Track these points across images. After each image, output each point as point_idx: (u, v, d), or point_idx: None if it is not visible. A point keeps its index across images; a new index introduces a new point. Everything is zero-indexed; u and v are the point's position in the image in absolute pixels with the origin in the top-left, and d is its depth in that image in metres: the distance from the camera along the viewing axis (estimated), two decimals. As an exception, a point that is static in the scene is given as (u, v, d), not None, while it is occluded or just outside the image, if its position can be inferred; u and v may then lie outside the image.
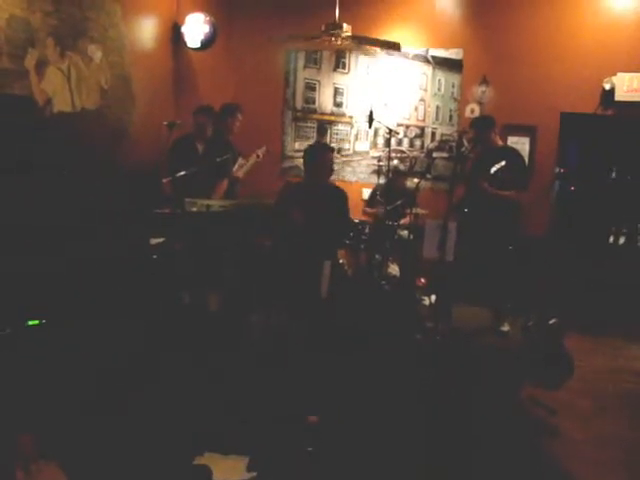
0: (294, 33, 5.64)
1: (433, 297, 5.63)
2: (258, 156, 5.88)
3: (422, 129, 6.83)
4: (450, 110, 6.72)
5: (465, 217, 5.05)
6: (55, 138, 4.11)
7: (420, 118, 6.83)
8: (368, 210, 6.00)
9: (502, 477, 3.03)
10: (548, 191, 6.41)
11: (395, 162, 6.53)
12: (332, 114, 7.07)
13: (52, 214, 3.68)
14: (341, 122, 7.06)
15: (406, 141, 6.89)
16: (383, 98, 6.86)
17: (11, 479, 2.15)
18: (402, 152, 6.88)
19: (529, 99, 6.32)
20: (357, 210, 5.95)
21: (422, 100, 6.80)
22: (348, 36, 5.23)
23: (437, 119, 6.77)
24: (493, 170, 5.10)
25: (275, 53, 7.02)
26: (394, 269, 5.59)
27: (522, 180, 5.23)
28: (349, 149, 7.06)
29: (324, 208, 4.60)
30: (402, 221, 5.57)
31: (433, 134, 6.81)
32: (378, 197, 5.77)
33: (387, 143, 6.32)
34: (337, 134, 7.08)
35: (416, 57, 6.72)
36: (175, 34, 5.84)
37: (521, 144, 6.29)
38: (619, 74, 5.96)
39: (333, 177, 5.06)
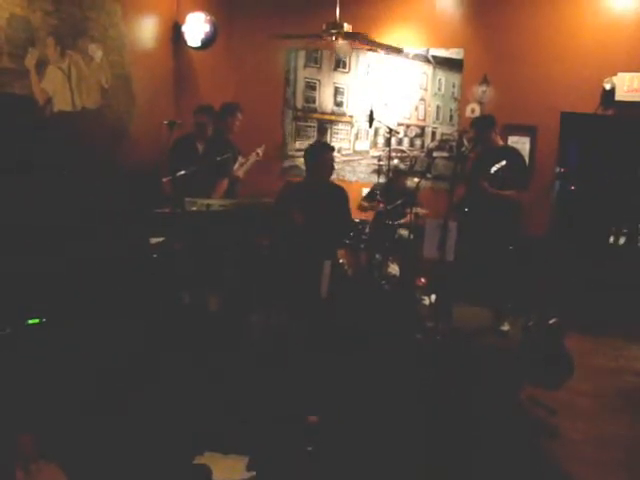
0: (300, 33, 5.63)
1: (433, 297, 5.62)
2: (258, 155, 5.88)
3: (422, 129, 6.83)
4: (450, 110, 6.72)
5: (465, 217, 5.04)
6: (55, 137, 4.11)
7: (420, 118, 6.83)
8: (365, 204, 5.96)
9: (502, 477, 3.03)
10: (548, 191, 6.41)
11: (395, 162, 6.52)
12: (332, 113, 7.07)
13: (52, 214, 3.67)
14: (341, 121, 7.06)
15: (406, 141, 6.88)
16: (383, 98, 6.85)
17: (11, 479, 2.15)
18: (402, 152, 6.87)
19: (529, 99, 6.32)
20: (357, 210, 5.95)
21: (422, 100, 6.79)
22: (352, 37, 5.23)
23: (437, 119, 6.77)
24: (493, 170, 5.09)
25: (275, 52, 7.02)
26: (394, 269, 5.59)
27: (522, 180, 5.23)
28: (349, 148, 7.06)
29: (325, 207, 4.60)
30: (402, 220, 5.57)
31: (433, 134, 6.80)
32: (378, 197, 5.76)
33: (387, 143, 6.32)
34: (337, 133, 7.08)
35: (416, 57, 6.72)
36: (175, 33, 5.84)
37: (521, 144, 6.28)
38: (619, 74, 5.96)
39: (333, 176, 5.06)
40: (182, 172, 4.37)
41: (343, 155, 7.03)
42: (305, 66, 7.07)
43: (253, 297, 4.54)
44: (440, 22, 6.60)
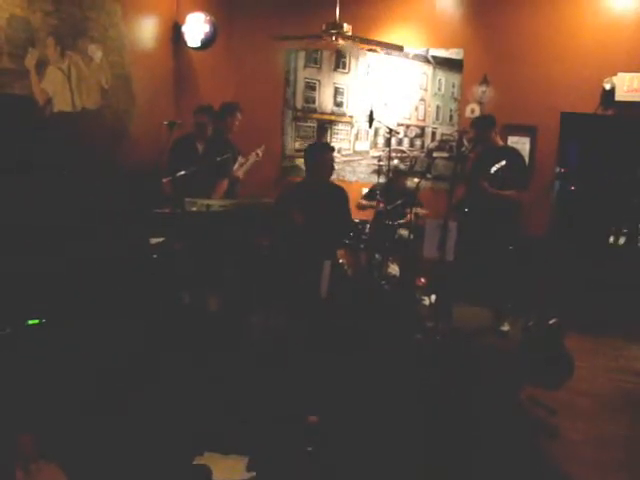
0: (300, 33, 5.64)
1: (433, 297, 5.63)
2: (258, 155, 5.89)
3: (422, 129, 6.83)
4: (450, 110, 6.72)
5: (465, 217, 5.05)
6: (55, 138, 4.11)
7: (420, 118, 6.83)
8: (364, 202, 5.96)
9: (502, 477, 3.03)
10: (548, 191, 6.41)
11: (395, 162, 6.52)
12: (332, 114, 7.07)
13: (52, 214, 3.67)
14: (341, 122, 7.06)
15: (406, 141, 6.89)
16: (383, 98, 6.85)
17: (11, 479, 2.15)
18: (402, 152, 6.87)
19: (529, 99, 6.32)
20: (356, 210, 5.95)
21: (422, 100, 6.79)
22: (351, 37, 5.23)
23: (437, 119, 6.77)
24: (493, 170, 5.09)
25: (275, 53, 7.02)
26: (394, 269, 5.59)
27: (522, 180, 5.23)
28: (349, 149, 7.06)
29: (325, 207, 4.60)
30: (402, 221, 5.57)
31: (433, 134, 6.81)
32: (378, 197, 5.76)
33: (387, 143, 6.32)
34: (337, 134, 7.08)
35: (416, 57, 6.72)
36: (175, 34, 5.84)
37: (521, 144, 6.28)
38: (619, 74, 5.95)
39: (333, 176, 5.06)
40: (182, 172, 4.37)
41: (343, 155, 7.03)
42: (305, 66, 7.07)
43: (253, 297, 4.54)
44: (440, 22, 6.60)
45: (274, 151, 7.02)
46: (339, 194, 4.83)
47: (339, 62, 6.97)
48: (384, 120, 6.24)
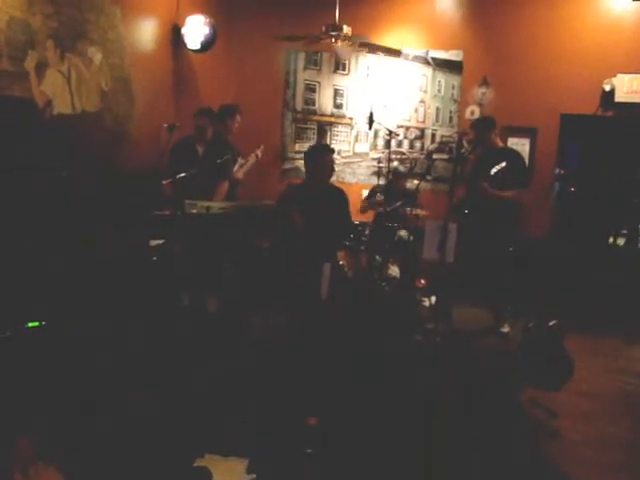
0: (299, 34, 5.64)
1: (433, 298, 5.62)
2: (257, 156, 5.89)
3: (422, 130, 6.84)
4: (450, 112, 6.72)
5: (465, 218, 5.05)
6: (55, 140, 4.11)
7: (420, 120, 6.83)
8: (365, 204, 5.96)
9: (502, 478, 3.02)
10: (548, 192, 6.41)
11: (395, 163, 6.52)
12: (332, 115, 7.08)
13: (52, 216, 3.67)
14: (341, 123, 7.07)
15: (406, 142, 6.89)
16: (383, 99, 6.86)
17: (10, 482, 2.16)
18: (402, 153, 6.88)
19: (529, 100, 6.33)
20: (356, 211, 5.95)
21: (422, 102, 6.80)
22: (352, 40, 5.25)
23: (437, 121, 6.78)
24: (493, 171, 5.09)
25: (275, 54, 7.03)
26: (394, 270, 5.58)
27: (522, 181, 5.23)
28: (349, 150, 7.06)
29: (325, 209, 4.60)
30: (402, 222, 5.57)
31: (433, 135, 6.81)
32: (378, 197, 5.76)
33: (387, 144, 6.33)
34: (337, 135, 7.09)
35: (416, 58, 6.73)
36: (175, 36, 5.84)
37: (521, 145, 6.30)
38: (619, 75, 5.96)
39: (333, 178, 5.06)
40: (182, 174, 4.38)
41: (343, 157, 7.04)
42: (305, 68, 7.08)
43: (253, 299, 4.54)
44: (440, 24, 6.61)
45: (274, 153, 7.03)
46: (339, 196, 4.83)
47: (339, 64, 6.98)
48: (384, 122, 6.25)
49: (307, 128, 7.16)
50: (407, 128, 6.87)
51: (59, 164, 3.97)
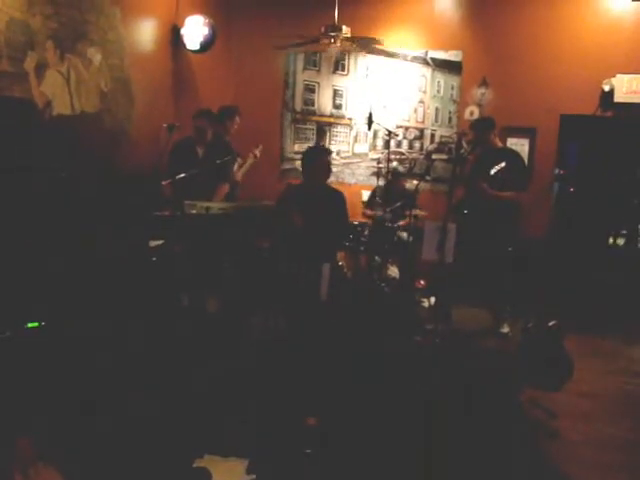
0: (299, 35, 5.66)
1: (433, 299, 5.62)
2: (256, 156, 5.90)
3: (421, 131, 6.84)
4: (449, 112, 6.73)
5: (464, 219, 5.05)
6: (55, 140, 4.11)
7: (419, 120, 6.84)
8: (368, 212, 6.01)
9: (502, 478, 3.02)
10: (547, 192, 6.42)
11: (394, 164, 6.53)
12: (331, 116, 7.08)
13: (52, 216, 3.67)
14: (340, 124, 7.07)
15: (405, 143, 6.89)
16: (382, 100, 6.86)
17: (10, 482, 2.15)
18: (401, 154, 6.88)
19: (528, 101, 6.33)
20: (356, 212, 5.95)
21: (421, 102, 6.80)
22: (346, 38, 5.26)
23: (436, 121, 6.78)
24: (493, 172, 5.09)
25: (274, 55, 7.04)
26: (393, 271, 5.59)
27: (522, 181, 5.22)
28: (348, 151, 7.06)
29: (322, 210, 4.60)
30: (401, 222, 5.57)
31: (432, 136, 6.81)
32: (377, 199, 5.77)
33: (386, 145, 6.34)
34: (336, 136, 7.09)
35: (415, 59, 6.74)
36: (174, 36, 5.84)
37: (520, 146, 6.30)
38: (618, 76, 5.97)
39: (332, 179, 5.06)
40: (182, 175, 4.38)
41: (342, 158, 7.04)
42: (304, 69, 7.08)
43: (252, 299, 4.54)
44: (439, 24, 6.62)
45: (273, 153, 7.03)
46: (336, 198, 4.83)
47: (338, 64, 6.98)
48: (383, 122, 6.26)
49: (306, 129, 7.16)
50: (406, 128, 6.87)
51: (59, 165, 3.97)
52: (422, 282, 6.10)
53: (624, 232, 7.60)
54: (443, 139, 6.78)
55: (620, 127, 6.42)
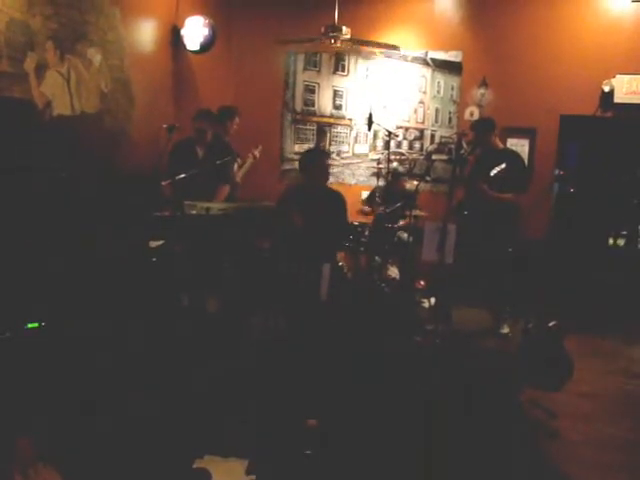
0: (299, 35, 5.66)
1: (433, 299, 5.62)
2: (255, 156, 5.90)
3: (421, 131, 6.84)
4: (449, 112, 6.73)
5: (465, 219, 5.05)
6: (54, 141, 4.12)
7: (419, 120, 6.84)
8: (366, 209, 5.99)
9: (502, 478, 3.02)
10: (547, 193, 6.42)
11: (394, 164, 6.53)
12: (331, 116, 7.08)
13: (52, 217, 3.67)
14: (340, 124, 7.07)
15: (405, 143, 6.90)
16: (382, 100, 6.87)
17: (10, 482, 2.15)
18: (401, 154, 6.88)
19: (528, 101, 6.33)
20: (357, 214, 5.95)
21: (421, 102, 6.81)
22: (349, 39, 5.26)
23: (436, 121, 6.78)
24: (493, 173, 5.08)
25: (274, 56, 7.04)
26: (394, 271, 5.59)
27: (522, 183, 5.21)
28: (348, 151, 7.06)
29: (322, 211, 4.60)
30: (401, 222, 5.57)
31: (432, 136, 6.82)
32: (377, 199, 5.77)
33: (386, 145, 6.33)
34: (336, 136, 7.09)
35: (415, 59, 6.74)
36: (174, 37, 5.84)
37: (520, 146, 6.30)
38: (618, 76, 5.97)
39: (332, 179, 5.07)
40: (182, 175, 4.38)
41: (342, 158, 7.04)
42: (304, 69, 7.09)
43: (252, 299, 4.54)
44: (439, 25, 6.62)
45: (273, 154, 7.03)
46: (336, 199, 4.83)
47: (338, 65, 6.99)
48: (383, 123, 6.25)
49: (306, 129, 7.16)
50: (406, 129, 6.87)
51: (59, 165, 3.97)
52: (422, 282, 6.10)
53: (624, 232, 7.60)
54: (443, 140, 6.78)
55: (620, 128, 6.42)
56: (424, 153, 6.83)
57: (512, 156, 5.30)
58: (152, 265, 4.08)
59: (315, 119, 7.13)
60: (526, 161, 6.03)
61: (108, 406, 2.99)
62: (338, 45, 5.33)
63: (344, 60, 6.96)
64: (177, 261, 4.19)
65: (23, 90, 3.94)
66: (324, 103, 7.08)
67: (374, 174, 6.92)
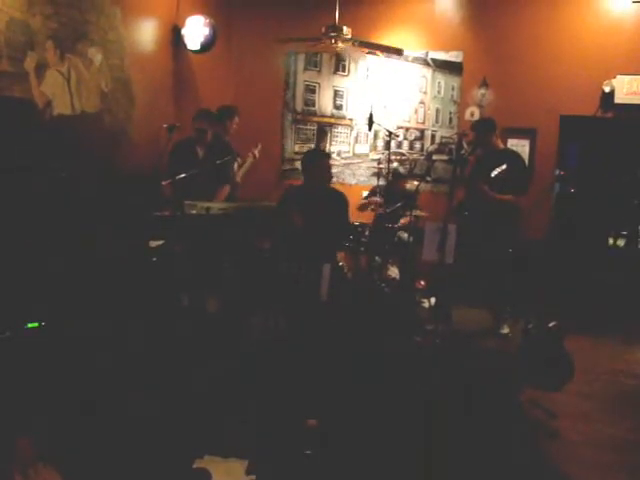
0: (299, 36, 5.66)
1: (433, 299, 5.62)
2: (255, 156, 5.90)
3: (422, 132, 6.84)
4: (450, 113, 6.73)
5: (465, 219, 5.04)
6: (55, 140, 4.11)
7: (420, 121, 6.84)
8: (364, 201, 5.96)
9: (502, 478, 3.02)
10: (548, 193, 6.41)
11: (395, 165, 6.52)
12: (332, 116, 7.08)
13: (52, 216, 3.67)
14: (341, 125, 7.07)
15: (406, 143, 6.89)
16: (383, 100, 6.86)
17: (10, 482, 2.15)
18: (402, 155, 6.88)
19: (529, 101, 6.33)
20: (356, 213, 5.94)
21: (422, 103, 6.80)
22: (352, 40, 5.26)
23: (437, 122, 6.78)
24: (494, 174, 5.08)
25: (275, 55, 7.04)
26: (394, 271, 5.59)
27: (522, 184, 5.20)
28: (349, 151, 7.06)
29: (324, 211, 4.60)
30: (401, 221, 5.57)
31: (433, 137, 6.81)
32: (378, 196, 5.76)
33: (387, 146, 6.32)
34: (337, 136, 7.09)
35: (416, 60, 6.73)
36: (175, 37, 5.84)
37: (521, 146, 6.30)
38: (619, 76, 5.97)
39: (332, 180, 5.06)
40: (182, 175, 4.38)
41: (343, 158, 7.04)
42: (305, 69, 7.08)
43: (252, 299, 4.54)
44: (439, 25, 6.62)
45: (274, 154, 7.03)
46: (338, 199, 4.83)
47: (339, 65, 6.99)
48: (384, 123, 6.25)
49: (307, 129, 7.16)
50: (407, 129, 6.87)
51: (59, 165, 3.97)
52: (422, 282, 6.10)
53: (624, 233, 7.60)
54: (444, 140, 6.77)
55: (620, 128, 6.42)
56: (424, 153, 6.83)
57: (513, 156, 5.30)
58: (152, 265, 4.07)
59: (316, 119, 7.13)
60: (526, 161, 6.02)
61: (108, 406, 2.99)
62: (340, 46, 5.32)
63: (344, 60, 6.96)
64: (177, 261, 4.19)
65: (23, 90, 3.94)
66: (324, 103, 7.08)
67: (374, 174, 6.92)
